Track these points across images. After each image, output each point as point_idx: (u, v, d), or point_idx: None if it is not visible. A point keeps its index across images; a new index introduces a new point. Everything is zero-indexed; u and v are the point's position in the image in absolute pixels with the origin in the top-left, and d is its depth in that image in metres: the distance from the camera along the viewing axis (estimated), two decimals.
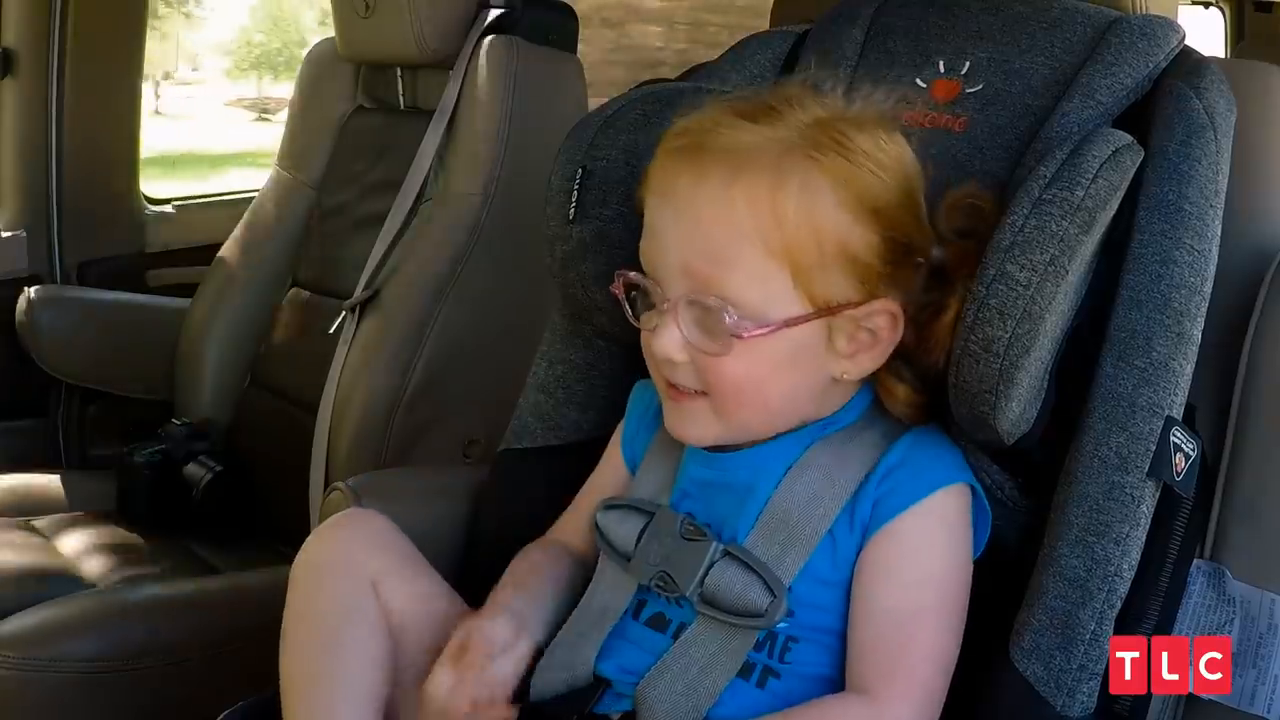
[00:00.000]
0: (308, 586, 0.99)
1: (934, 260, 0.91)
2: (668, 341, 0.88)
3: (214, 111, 10.07)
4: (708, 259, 0.86)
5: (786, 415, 0.92)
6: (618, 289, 0.94)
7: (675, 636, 0.91)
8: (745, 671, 0.89)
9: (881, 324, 0.89)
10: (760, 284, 0.86)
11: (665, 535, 0.92)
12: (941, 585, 0.88)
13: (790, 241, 0.85)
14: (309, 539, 1.02)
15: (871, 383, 0.94)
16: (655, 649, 0.91)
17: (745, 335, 0.86)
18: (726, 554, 0.90)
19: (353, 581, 0.97)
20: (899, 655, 0.86)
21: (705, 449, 0.95)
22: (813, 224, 0.85)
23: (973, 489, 0.92)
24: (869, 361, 0.90)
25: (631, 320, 0.94)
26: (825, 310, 0.87)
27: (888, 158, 0.88)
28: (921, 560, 0.88)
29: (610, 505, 0.98)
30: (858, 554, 0.89)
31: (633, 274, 0.92)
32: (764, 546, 0.90)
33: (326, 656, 0.95)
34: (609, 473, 1.06)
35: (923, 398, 0.93)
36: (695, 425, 0.92)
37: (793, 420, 0.92)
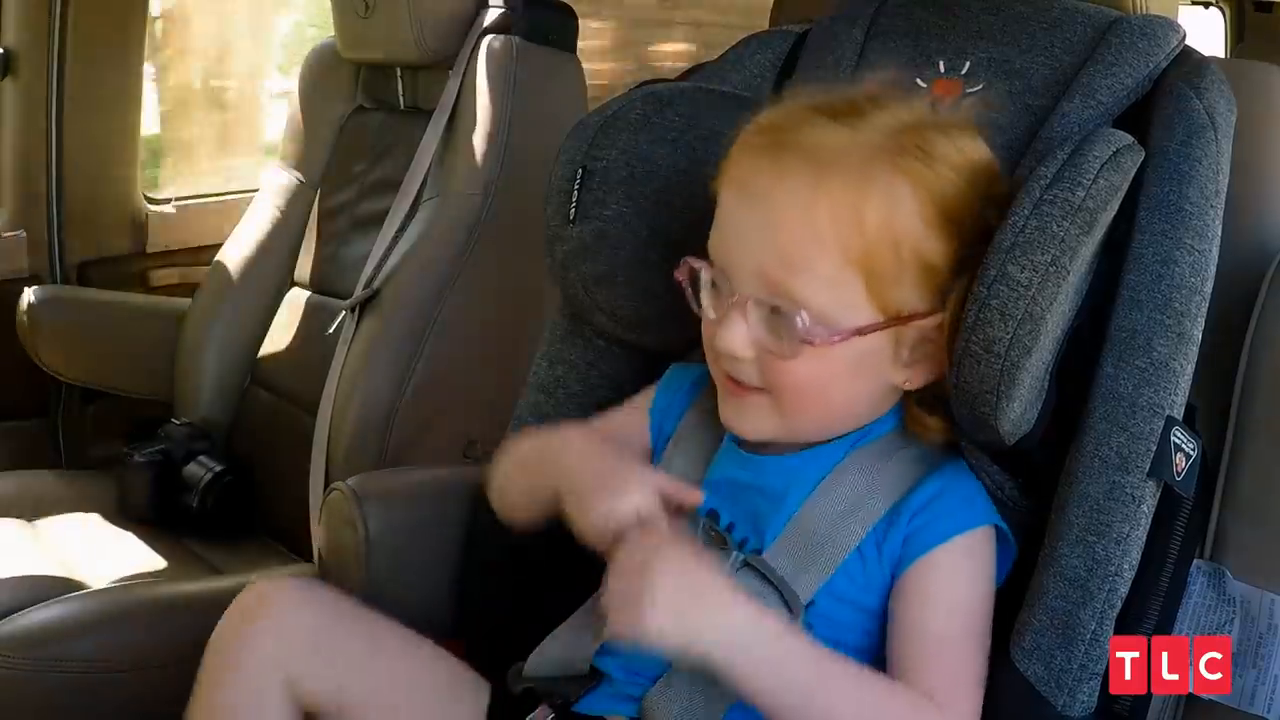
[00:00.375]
0: (212, 676, 0.94)
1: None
2: (735, 337, 0.87)
3: None
4: (783, 262, 0.85)
5: (844, 420, 0.91)
6: (681, 274, 0.92)
7: None
8: None
9: (944, 334, 0.88)
10: (834, 290, 0.85)
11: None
12: (974, 614, 0.88)
13: (869, 250, 0.84)
14: (221, 621, 0.96)
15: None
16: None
17: (816, 342, 0.85)
18: (746, 564, 0.89)
19: (258, 678, 0.92)
20: (953, 676, 0.86)
21: (743, 450, 0.94)
22: (892, 233, 0.85)
23: (998, 529, 0.91)
24: (929, 372, 0.90)
25: (695, 308, 0.92)
26: (895, 320, 0.87)
27: (968, 165, 0.88)
28: (958, 590, 0.88)
29: None
30: (892, 580, 0.89)
31: (699, 262, 0.91)
32: (786, 559, 0.89)
33: None
34: (630, 425, 1.04)
35: (946, 421, 0.92)
36: (752, 420, 0.91)
37: (849, 425, 0.92)
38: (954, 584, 0.88)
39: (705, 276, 0.91)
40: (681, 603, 0.81)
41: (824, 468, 0.92)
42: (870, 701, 0.84)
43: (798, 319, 0.85)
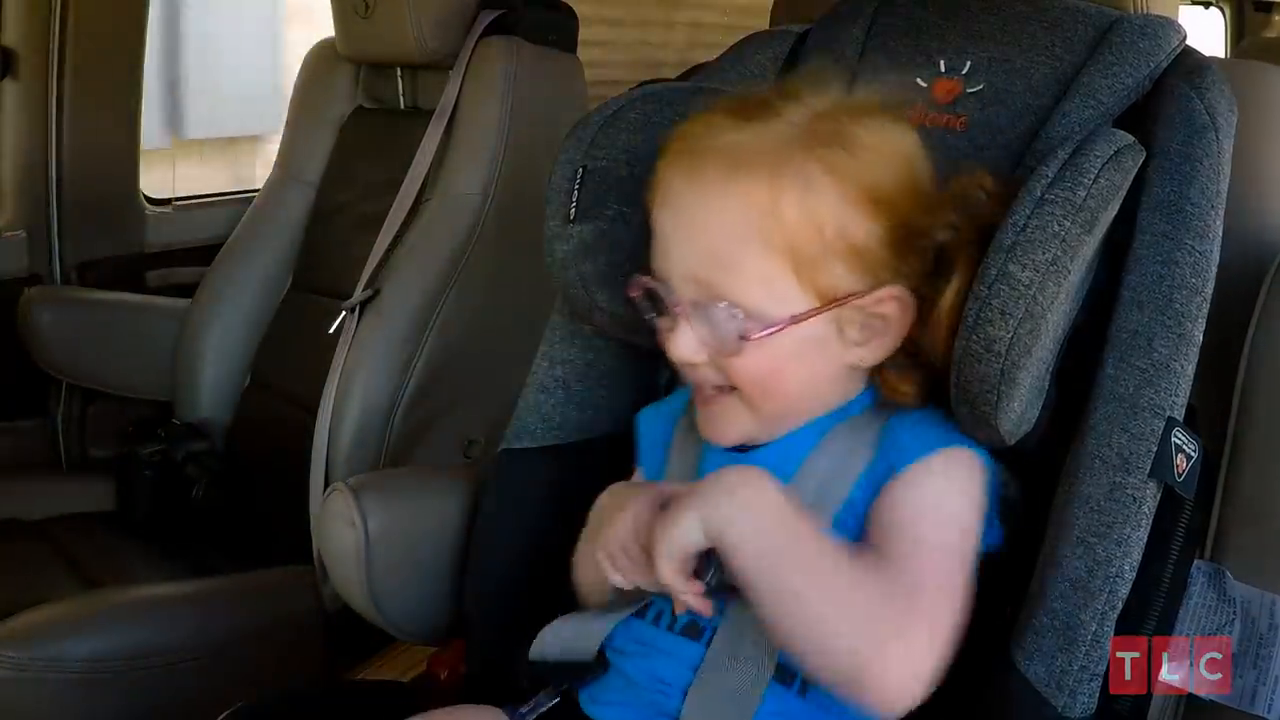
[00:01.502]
0: None
1: (939, 243, 0.90)
2: (683, 345, 0.89)
3: None
4: (710, 264, 0.87)
5: (810, 403, 0.92)
6: (634, 293, 0.94)
7: (710, 645, 0.90)
8: (786, 678, 0.88)
9: (890, 309, 0.89)
10: (764, 283, 0.86)
11: None
12: (951, 528, 0.86)
13: (791, 238, 0.85)
14: None
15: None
16: (691, 660, 0.91)
17: (753, 336, 0.87)
18: None
19: None
20: (928, 575, 0.83)
21: (727, 450, 0.94)
22: (813, 219, 0.85)
23: (984, 465, 0.90)
24: (882, 348, 0.90)
25: (650, 323, 0.94)
26: (832, 302, 0.87)
27: (889, 146, 0.89)
28: (935, 498, 0.87)
29: None
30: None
31: (644, 278, 0.93)
32: None
33: None
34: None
35: (924, 390, 0.92)
36: (728, 424, 0.92)
37: (817, 407, 0.92)
38: (932, 493, 0.87)
39: (653, 290, 0.92)
40: (711, 493, 0.84)
41: (803, 450, 0.92)
42: (843, 590, 0.82)
43: (731, 317, 0.86)
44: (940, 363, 0.90)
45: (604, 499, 0.98)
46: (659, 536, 0.84)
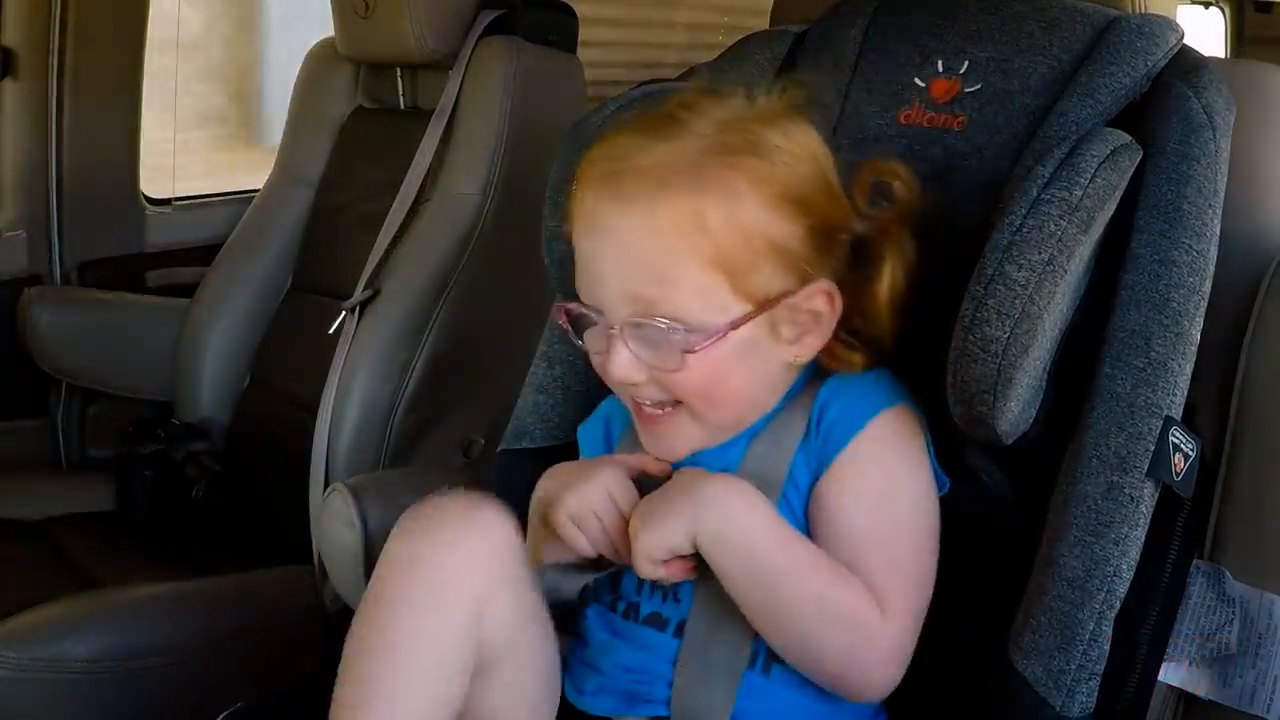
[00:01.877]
0: (394, 597, 0.85)
1: (856, 234, 0.92)
2: (623, 365, 0.89)
3: None
4: (647, 282, 0.87)
5: (755, 405, 0.93)
6: (561, 319, 0.95)
7: (678, 634, 0.91)
8: (750, 660, 0.89)
9: (820, 304, 0.90)
10: (701, 295, 0.87)
11: None
12: (908, 503, 0.90)
13: (721, 250, 0.86)
14: (404, 525, 0.88)
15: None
16: (664, 651, 0.92)
17: (697, 349, 0.87)
18: None
19: (449, 608, 0.85)
20: (888, 578, 0.87)
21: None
22: (739, 228, 0.87)
23: (919, 416, 0.92)
24: (816, 341, 0.92)
25: (578, 346, 0.95)
26: (765, 304, 0.88)
27: (798, 147, 0.90)
28: (881, 480, 0.89)
29: None
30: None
31: (572, 305, 0.93)
32: None
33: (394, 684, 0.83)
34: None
35: (870, 361, 0.94)
36: (677, 438, 0.93)
37: (761, 409, 0.94)
38: (874, 474, 0.89)
39: (585, 316, 0.92)
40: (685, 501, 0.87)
41: (742, 444, 0.94)
42: (825, 593, 0.86)
43: (672, 332, 0.87)
44: (889, 344, 0.92)
45: (547, 481, 0.97)
46: (642, 539, 0.87)
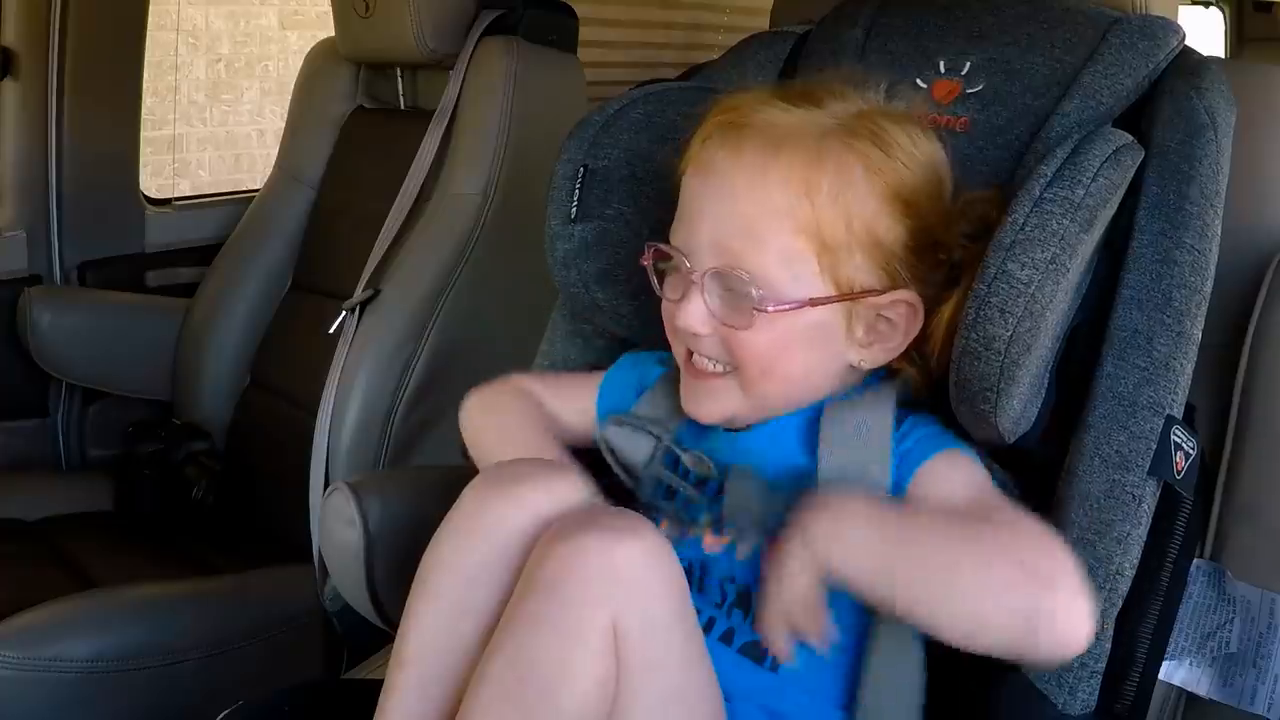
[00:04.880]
0: (450, 529, 0.90)
1: (955, 257, 0.91)
2: (693, 314, 0.90)
3: None
4: (738, 234, 0.88)
5: (804, 391, 0.93)
6: (647, 259, 0.95)
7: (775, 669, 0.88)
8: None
9: (900, 314, 0.90)
10: (787, 262, 0.87)
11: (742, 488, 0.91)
12: (993, 494, 0.87)
13: (820, 222, 0.87)
14: (480, 479, 0.90)
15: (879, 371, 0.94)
16: (754, 681, 0.88)
17: (770, 309, 0.87)
18: None
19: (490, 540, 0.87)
20: (1016, 527, 0.81)
21: (708, 429, 0.95)
22: (843, 207, 0.87)
23: (981, 466, 0.90)
24: (884, 352, 0.91)
25: (656, 290, 0.95)
26: (848, 294, 0.89)
27: (921, 154, 0.90)
28: (965, 478, 0.88)
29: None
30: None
31: (661, 245, 0.93)
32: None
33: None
34: (580, 384, 1.08)
35: (930, 384, 0.93)
36: (714, 400, 0.92)
37: (808, 398, 0.93)
38: (959, 475, 0.88)
39: (671, 258, 0.92)
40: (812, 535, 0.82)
41: (793, 436, 0.92)
42: (968, 556, 0.80)
43: (751, 288, 0.87)
44: (937, 369, 0.91)
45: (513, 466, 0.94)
46: (770, 604, 0.83)
